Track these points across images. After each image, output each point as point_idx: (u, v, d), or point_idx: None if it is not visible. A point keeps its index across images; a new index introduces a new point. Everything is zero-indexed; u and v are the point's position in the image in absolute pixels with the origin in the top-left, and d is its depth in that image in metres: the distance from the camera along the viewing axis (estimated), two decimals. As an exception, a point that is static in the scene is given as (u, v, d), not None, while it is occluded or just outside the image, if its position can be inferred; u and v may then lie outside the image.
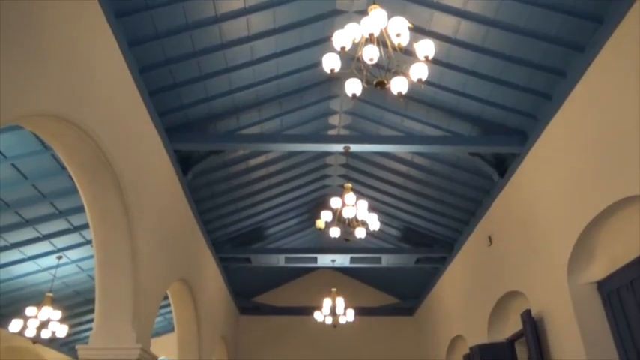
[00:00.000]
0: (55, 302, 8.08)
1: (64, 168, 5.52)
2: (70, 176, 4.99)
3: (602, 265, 5.02)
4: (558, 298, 5.30)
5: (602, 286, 4.99)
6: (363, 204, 6.02)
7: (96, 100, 4.26)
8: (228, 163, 7.37)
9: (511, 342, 7.03)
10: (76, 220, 6.94)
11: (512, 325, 6.94)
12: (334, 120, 7.47)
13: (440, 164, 7.36)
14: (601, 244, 4.98)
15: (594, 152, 4.71)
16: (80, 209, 6.18)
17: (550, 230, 5.53)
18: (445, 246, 9.32)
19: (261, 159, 7.66)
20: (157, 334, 11.85)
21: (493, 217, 7.26)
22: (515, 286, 6.47)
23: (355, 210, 5.92)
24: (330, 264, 10.27)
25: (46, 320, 7.47)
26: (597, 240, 4.98)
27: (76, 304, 9.43)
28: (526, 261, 6.14)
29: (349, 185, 6.17)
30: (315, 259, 10.02)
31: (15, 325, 7.33)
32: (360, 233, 6.10)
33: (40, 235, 7.05)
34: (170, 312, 9.29)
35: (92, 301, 6.04)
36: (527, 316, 5.89)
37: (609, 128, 4.48)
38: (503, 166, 6.63)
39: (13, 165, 5.56)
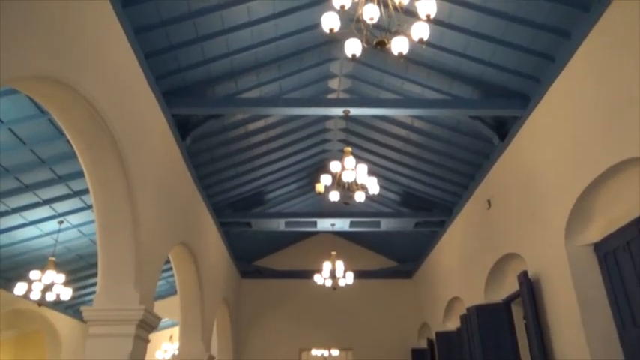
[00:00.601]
0: (59, 266, 8.19)
1: (62, 133, 5.49)
2: (68, 141, 4.97)
3: (599, 227, 5.06)
4: (555, 259, 5.37)
5: (599, 247, 5.05)
6: (363, 168, 6.02)
7: (91, 62, 4.19)
8: (227, 127, 7.32)
9: (507, 303, 7.17)
10: (76, 186, 6.95)
11: (509, 287, 7.06)
12: (334, 83, 7.38)
13: (440, 128, 7.32)
14: (599, 206, 5.01)
15: (595, 114, 4.67)
16: (80, 174, 6.18)
17: (549, 193, 5.56)
18: (444, 210, 9.39)
19: (261, 123, 7.61)
20: (160, 297, 12.10)
21: (492, 180, 7.28)
22: (513, 248, 6.55)
23: (355, 174, 5.92)
24: (330, 228, 10.37)
25: (50, 283, 7.59)
26: (595, 202, 5.00)
27: (79, 268, 9.57)
28: (524, 224, 6.19)
29: (349, 149, 6.15)
30: (314, 224, 10.10)
31: (20, 288, 7.45)
32: (359, 197, 6.12)
33: (41, 201, 7.08)
34: (172, 276, 9.44)
35: (95, 265, 6.13)
36: (523, 277, 5.98)
37: (611, 90, 4.43)
38: (504, 130, 6.60)
39: (10, 130, 5.53)
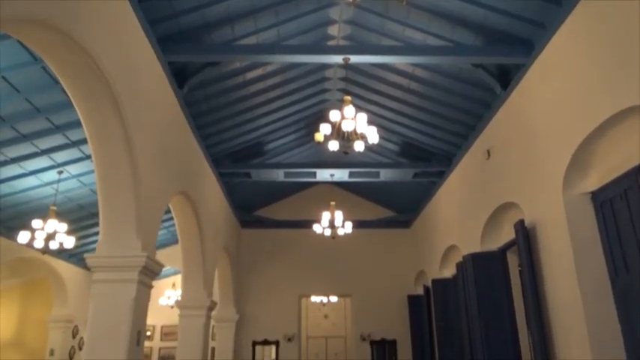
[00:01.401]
0: (60, 216, 8.27)
1: (56, 81, 5.38)
2: (63, 90, 4.89)
3: (597, 176, 5.08)
4: (552, 208, 5.43)
5: (596, 196, 5.08)
6: (363, 117, 5.96)
7: (84, 7, 4.05)
8: (225, 75, 7.19)
9: (503, 251, 7.30)
10: (74, 135, 6.90)
11: (505, 235, 7.17)
12: (333, 30, 7.18)
13: (441, 76, 7.20)
14: (598, 155, 5.00)
15: (599, 62, 4.58)
16: (77, 124, 6.11)
17: (549, 142, 5.53)
18: (443, 160, 9.39)
19: (259, 71, 7.47)
20: (162, 245, 12.30)
21: (493, 130, 7.24)
22: (511, 197, 6.60)
23: (354, 123, 5.87)
24: (329, 179, 10.41)
25: (52, 232, 7.68)
26: (595, 151, 4.99)
27: (81, 217, 9.67)
28: (523, 173, 6.21)
29: (348, 98, 6.07)
30: (314, 174, 10.13)
31: (23, 236, 7.55)
32: (358, 147, 6.09)
33: (39, 150, 7.06)
34: (173, 225, 9.55)
35: (96, 214, 6.18)
36: (520, 225, 6.06)
37: (617, 36, 4.32)
38: (507, 78, 6.49)
39: (3, 77, 5.42)
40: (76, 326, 12.20)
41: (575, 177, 5.21)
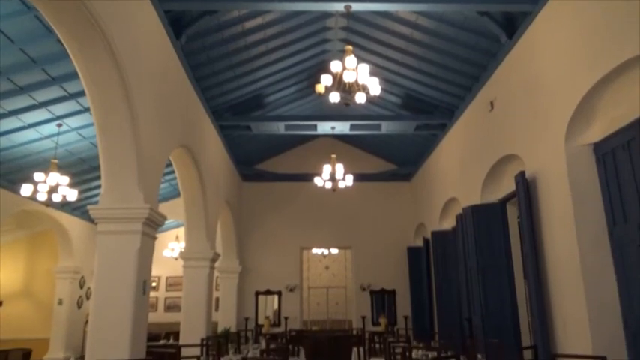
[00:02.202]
0: (62, 169, 8.27)
1: (50, 31, 5.25)
2: (58, 40, 4.77)
3: (600, 128, 5.03)
4: (553, 159, 5.42)
5: (599, 147, 5.06)
6: (364, 68, 5.84)
7: (74, -51, 3.89)
8: (223, 25, 7.00)
9: (503, 203, 7.35)
10: (72, 87, 6.80)
11: (506, 188, 7.20)
12: (334, -24, 6.92)
13: (445, 25, 7.00)
14: (603, 106, 4.94)
15: (607, 10, 4.44)
16: (74, 75, 6.01)
17: (554, 92, 5.45)
18: (445, 113, 9.29)
19: (258, 20, 7.26)
20: (165, 199, 12.39)
21: (496, 81, 7.12)
22: (513, 149, 6.58)
23: (356, 74, 5.76)
24: (330, 131, 10.34)
25: (55, 185, 7.71)
26: (599, 102, 4.93)
27: (83, 171, 9.69)
28: (526, 125, 6.16)
29: (350, 48, 5.92)
30: (314, 127, 10.06)
31: (26, 189, 7.58)
32: (360, 98, 6.00)
33: (37, 103, 6.97)
34: (175, 178, 9.58)
35: (98, 168, 6.18)
36: (520, 177, 6.07)
37: (631, -20, 4.17)
38: (513, 27, 6.32)
39: (-4, 27, 5.28)
40: (82, 277, 12.48)
41: (578, 128, 5.17)
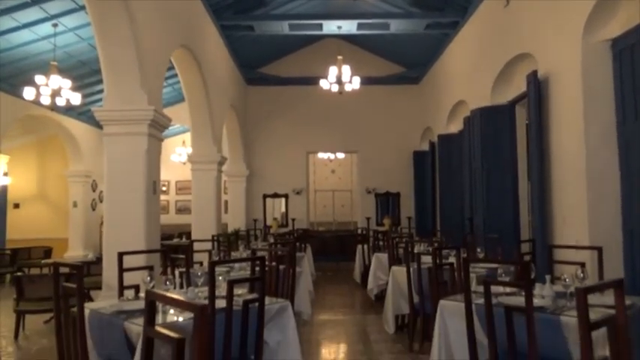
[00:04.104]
0: (63, 73, 8.12)
1: None
2: None
3: (621, 22, 4.78)
4: (569, 56, 5.22)
5: (616, 43, 4.84)
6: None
7: None
8: None
9: (512, 104, 7.22)
10: (63, -18, 6.47)
11: (516, 89, 7.03)
12: None
13: None
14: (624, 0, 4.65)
15: None
16: (64, -32, 5.69)
17: (575, -16, 5.11)
18: (458, 9, 8.82)
19: None
20: (169, 103, 12.27)
21: (514, -27, 6.66)
22: (526, 47, 6.32)
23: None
24: (336, 31, 9.93)
25: (57, 89, 7.62)
26: (623, -7, 4.63)
27: (84, 74, 9.52)
28: (543, 20, 5.86)
29: None
30: (320, 26, 9.65)
31: (28, 93, 7.50)
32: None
33: (29, 0, 6.68)
34: (178, 82, 9.42)
35: (99, 71, 6.04)
36: (532, 76, 5.89)
37: None
38: None
39: None
40: (94, 181, 12.80)
41: (598, 23, 4.91)
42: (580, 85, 5.01)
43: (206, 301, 2.67)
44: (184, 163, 13.01)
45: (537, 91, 5.81)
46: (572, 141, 5.21)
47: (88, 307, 2.83)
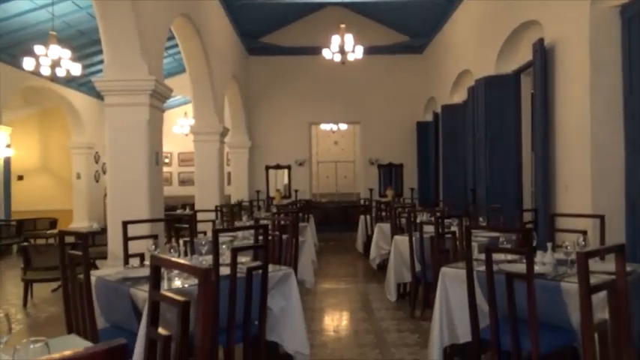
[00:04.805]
0: (62, 43, 8.01)
1: None
2: None
3: (631, -13, 4.66)
4: (576, 23, 5.11)
5: (626, 9, 4.72)
6: None
7: None
8: None
9: (517, 74, 7.13)
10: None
11: (521, 58, 6.93)
12: None
13: None
14: (638, -38, 4.52)
15: None
16: None
17: (585, -53, 4.96)
18: (463, -25, 8.61)
19: None
20: (170, 74, 12.15)
21: (522, -64, 6.47)
22: (534, 14, 6.20)
23: None
24: (339, -2, 9.73)
25: (57, 59, 7.53)
26: (635, -43, 4.50)
27: (83, 44, 9.42)
28: (550, -14, 5.72)
29: None
30: (322, -7, 9.44)
31: (28, 63, 7.42)
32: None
33: (25, -34, 6.56)
34: (179, 52, 9.30)
35: (98, 41, 5.96)
36: (539, 45, 5.79)
37: None
38: None
39: None
40: (97, 152, 12.81)
41: (607, -12, 4.79)
42: (587, 53, 4.93)
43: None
44: (186, 135, 12.97)
45: (543, 59, 5.73)
46: (577, 111, 5.16)
47: (95, 274, 2.87)
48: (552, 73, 5.69)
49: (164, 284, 2.60)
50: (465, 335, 2.91)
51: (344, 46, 9.04)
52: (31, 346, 1.12)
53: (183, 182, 15.18)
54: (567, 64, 5.39)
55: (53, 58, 7.49)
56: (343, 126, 15.07)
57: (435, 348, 2.97)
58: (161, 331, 1.60)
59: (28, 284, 5.66)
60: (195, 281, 1.99)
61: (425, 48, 12.45)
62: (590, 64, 4.91)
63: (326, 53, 9.19)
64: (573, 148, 5.24)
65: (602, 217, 3.71)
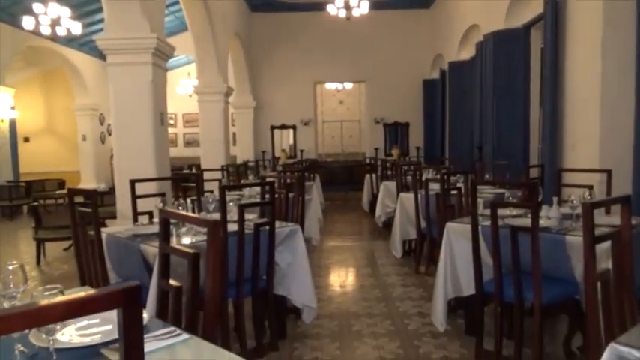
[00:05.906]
0: (61, 0, 7.86)
1: None
2: None
3: None
4: (589, -27, 4.94)
5: (643, -43, 4.55)
6: None
7: None
8: None
9: (527, 28, 6.94)
10: None
11: (532, 11, 6.73)
12: None
13: None
14: None
15: None
16: None
17: None
18: None
19: None
20: (172, 33, 11.93)
21: None
22: (545, -35, 5.97)
23: None
24: (344, -49, 9.37)
25: (57, 18, 7.41)
26: None
27: (83, 2, 9.24)
28: None
29: None
30: (326, -55, 9.11)
31: (28, 22, 7.31)
32: None
33: None
34: (180, 10, 9.11)
35: (98, -2, 5.85)
36: (550, -3, 5.61)
37: None
38: None
39: None
40: (101, 114, 12.77)
41: None
42: (600, 6, 4.78)
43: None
44: (190, 95, 12.87)
45: (554, 12, 5.56)
46: (588, 66, 5.05)
47: (105, 231, 2.92)
48: (563, 26, 5.54)
49: (173, 240, 2.65)
50: (468, 288, 2.96)
51: (349, 1, 8.81)
52: (46, 293, 1.15)
53: (189, 144, 15.18)
54: (579, 17, 5.24)
55: (53, 17, 7.37)
56: (348, 85, 14.87)
57: (440, 300, 3.04)
58: (172, 282, 1.64)
59: (40, 243, 5.78)
60: (204, 237, 2.02)
61: (432, 2, 12.10)
62: (603, 18, 4.76)
63: (331, 9, 8.96)
64: (583, 103, 5.17)
65: (609, 172, 3.70)
